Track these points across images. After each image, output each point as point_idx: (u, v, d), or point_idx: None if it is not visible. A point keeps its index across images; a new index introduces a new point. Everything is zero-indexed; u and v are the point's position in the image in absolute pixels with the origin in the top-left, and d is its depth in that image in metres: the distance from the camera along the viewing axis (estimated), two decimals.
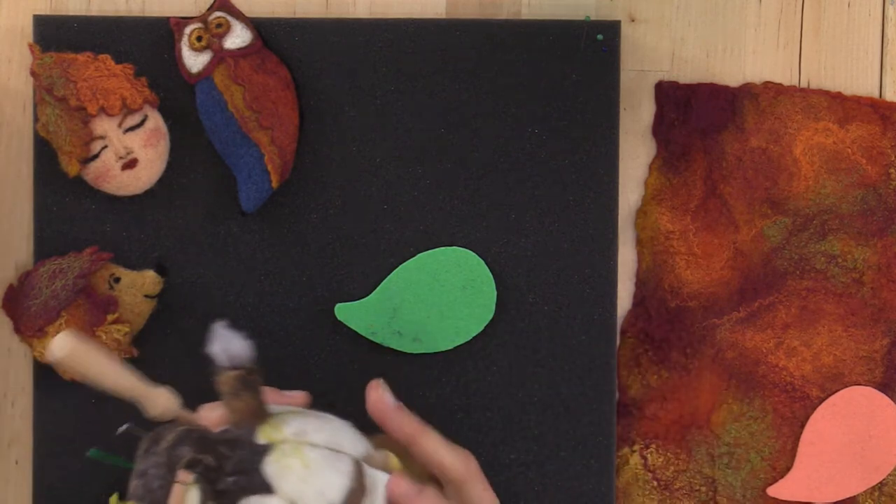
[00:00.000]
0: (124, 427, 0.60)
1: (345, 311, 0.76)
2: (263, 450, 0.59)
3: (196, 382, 0.71)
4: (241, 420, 0.61)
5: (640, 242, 0.79)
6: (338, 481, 0.59)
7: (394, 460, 0.63)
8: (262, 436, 0.60)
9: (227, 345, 0.59)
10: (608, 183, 0.77)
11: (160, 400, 0.61)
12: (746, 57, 0.79)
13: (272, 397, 0.65)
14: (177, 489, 0.59)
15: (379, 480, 0.61)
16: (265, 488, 0.58)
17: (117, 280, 0.74)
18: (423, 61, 0.76)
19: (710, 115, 0.78)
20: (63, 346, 0.58)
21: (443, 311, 0.76)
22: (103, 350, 0.60)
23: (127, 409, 0.76)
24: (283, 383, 0.71)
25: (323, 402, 0.66)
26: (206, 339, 0.71)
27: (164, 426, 0.59)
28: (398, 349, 0.76)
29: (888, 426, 0.78)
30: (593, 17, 0.78)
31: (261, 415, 0.61)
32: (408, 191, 0.76)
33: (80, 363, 0.59)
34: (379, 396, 0.65)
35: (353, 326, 0.76)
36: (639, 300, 0.78)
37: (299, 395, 0.66)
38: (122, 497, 0.60)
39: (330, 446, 0.60)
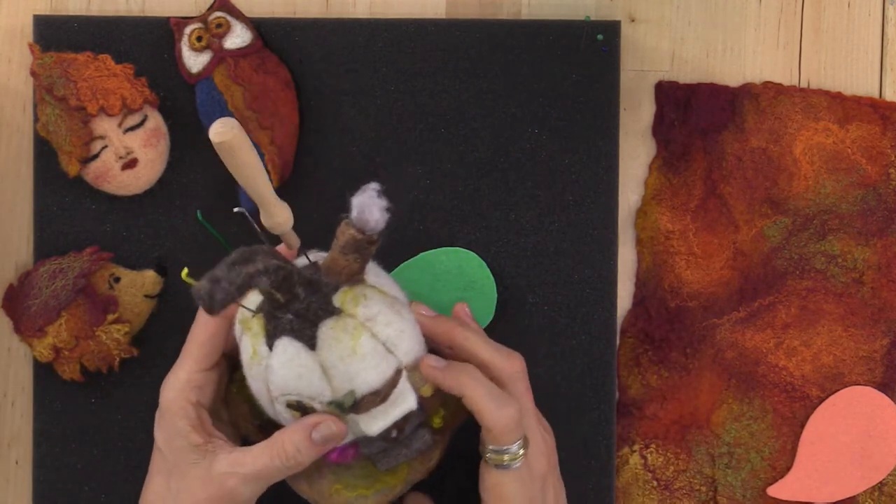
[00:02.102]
0: (238, 210, 0.63)
1: None
2: (331, 311, 0.61)
3: None
4: (335, 272, 0.62)
5: (640, 242, 0.79)
6: (370, 379, 0.61)
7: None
8: (339, 299, 0.62)
9: (369, 207, 0.60)
10: (608, 183, 0.77)
11: (282, 213, 0.63)
12: (746, 57, 0.79)
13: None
14: (235, 308, 0.63)
15: (405, 395, 0.63)
16: (311, 343, 0.60)
17: (117, 280, 0.74)
18: (423, 61, 0.76)
19: (710, 115, 0.78)
20: (232, 128, 0.59)
21: (443, 311, 0.75)
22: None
23: (120, 407, 0.76)
24: None
25: None
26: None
27: (261, 249, 0.60)
28: None
29: (888, 426, 0.78)
30: (593, 17, 0.78)
31: (354, 279, 0.63)
32: (408, 191, 0.76)
33: (240, 149, 0.60)
34: (416, 309, 0.67)
35: None
36: (639, 300, 0.78)
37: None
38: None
39: (387, 344, 0.62)
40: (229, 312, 0.66)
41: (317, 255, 0.65)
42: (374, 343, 0.61)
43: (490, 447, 0.65)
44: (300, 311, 0.61)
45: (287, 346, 0.61)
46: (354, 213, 0.60)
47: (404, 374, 0.63)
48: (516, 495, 0.65)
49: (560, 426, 0.76)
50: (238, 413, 0.69)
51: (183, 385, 0.66)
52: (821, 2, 0.79)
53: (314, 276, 0.61)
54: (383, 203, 0.60)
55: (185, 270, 0.61)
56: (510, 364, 0.67)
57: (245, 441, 0.69)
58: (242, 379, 0.66)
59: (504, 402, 0.64)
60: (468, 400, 0.64)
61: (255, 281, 0.58)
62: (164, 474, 0.66)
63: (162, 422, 0.66)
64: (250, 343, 0.63)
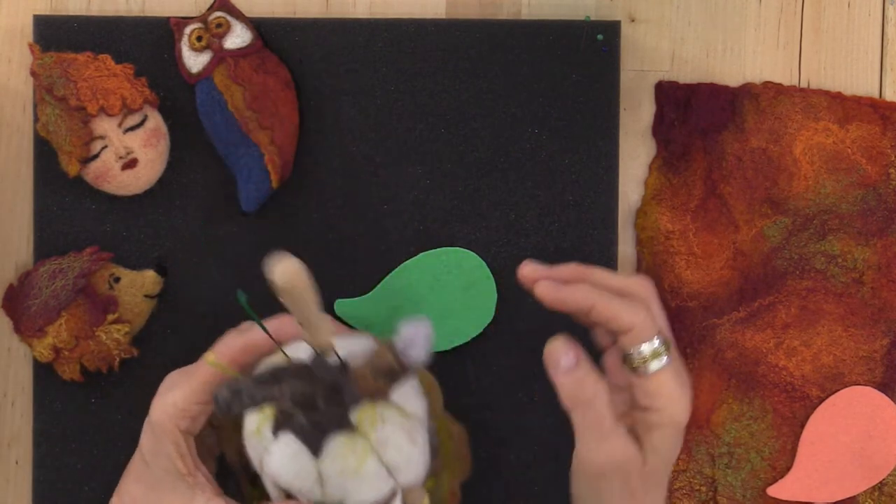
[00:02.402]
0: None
1: (344, 308, 0.76)
2: (345, 425, 0.60)
3: None
4: (361, 387, 0.60)
5: (640, 242, 0.79)
6: (363, 497, 0.60)
7: (425, 501, 0.64)
8: (358, 415, 0.60)
9: (416, 343, 0.59)
10: (608, 183, 0.77)
11: (326, 339, 0.61)
12: (746, 57, 0.79)
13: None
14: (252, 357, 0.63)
15: None
16: (316, 450, 0.59)
17: (117, 280, 0.74)
18: (423, 61, 0.76)
19: (710, 115, 0.78)
20: (294, 269, 0.56)
21: (443, 311, 0.76)
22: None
23: (120, 407, 0.76)
24: None
25: None
26: (208, 339, 0.71)
27: (291, 369, 0.59)
28: None
29: (888, 426, 0.78)
30: (593, 17, 0.78)
31: (378, 399, 0.61)
32: (408, 191, 0.76)
33: (300, 287, 0.57)
34: (528, 266, 0.64)
35: (352, 323, 0.75)
36: None
37: None
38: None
39: (391, 468, 0.60)
40: (244, 361, 0.66)
41: (348, 346, 0.63)
42: (378, 466, 0.60)
43: (633, 350, 0.62)
44: (314, 420, 0.59)
45: (291, 444, 0.60)
46: (399, 344, 0.59)
47: (399, 494, 0.62)
48: (678, 393, 0.63)
49: (561, 426, 0.76)
50: (229, 445, 0.68)
51: (177, 411, 0.65)
52: (821, 2, 0.79)
53: (339, 384, 0.60)
54: (432, 339, 0.59)
55: (212, 357, 0.62)
56: (644, 286, 0.64)
57: (225, 469, 0.69)
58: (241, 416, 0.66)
59: (633, 304, 0.62)
60: (598, 310, 0.62)
61: (278, 401, 0.58)
62: (146, 484, 0.66)
63: (151, 435, 0.66)
64: (256, 419, 0.61)
